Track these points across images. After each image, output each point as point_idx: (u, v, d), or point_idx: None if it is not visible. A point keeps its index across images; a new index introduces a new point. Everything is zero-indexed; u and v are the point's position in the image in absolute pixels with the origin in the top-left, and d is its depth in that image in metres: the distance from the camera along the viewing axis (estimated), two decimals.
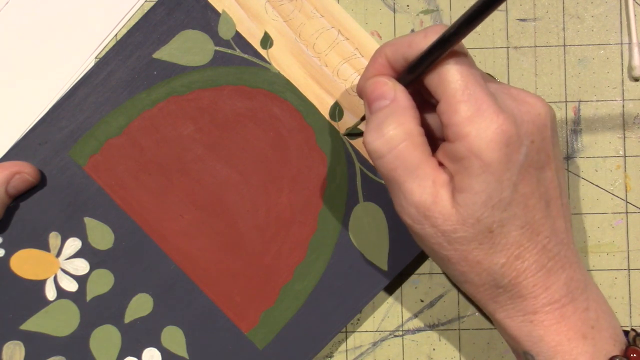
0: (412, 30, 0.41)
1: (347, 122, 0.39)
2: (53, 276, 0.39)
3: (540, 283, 0.30)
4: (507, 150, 0.28)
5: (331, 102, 0.39)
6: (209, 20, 0.40)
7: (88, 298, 0.39)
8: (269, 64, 0.39)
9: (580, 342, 0.30)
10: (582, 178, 0.41)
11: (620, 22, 0.41)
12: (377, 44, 0.40)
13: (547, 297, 0.30)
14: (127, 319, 0.39)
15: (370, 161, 0.39)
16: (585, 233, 0.41)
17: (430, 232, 0.30)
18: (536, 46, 0.41)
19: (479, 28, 0.41)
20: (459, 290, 0.41)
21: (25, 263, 0.39)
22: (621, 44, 0.41)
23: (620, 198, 0.41)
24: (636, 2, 0.41)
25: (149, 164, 0.40)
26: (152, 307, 0.39)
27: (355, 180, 0.39)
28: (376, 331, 0.41)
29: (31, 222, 0.39)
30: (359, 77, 0.39)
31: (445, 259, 0.31)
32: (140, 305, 0.39)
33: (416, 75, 0.30)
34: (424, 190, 0.29)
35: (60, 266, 0.39)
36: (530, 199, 0.30)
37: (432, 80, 0.30)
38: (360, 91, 0.33)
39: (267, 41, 0.39)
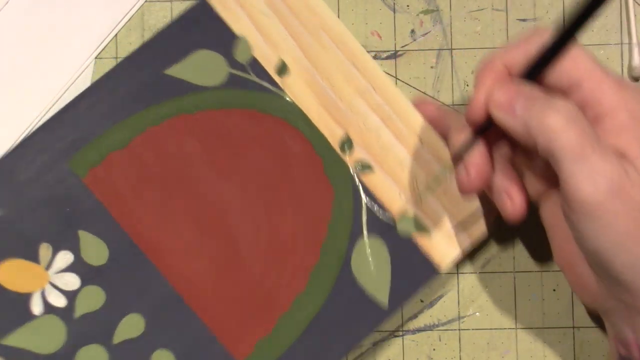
0: (412, 31, 0.41)
1: (356, 155, 0.38)
2: (41, 290, 0.38)
3: None
4: None
5: (342, 134, 0.39)
6: (225, 42, 0.39)
7: (76, 315, 0.38)
8: (283, 91, 0.39)
9: None
10: None
11: (620, 22, 0.41)
12: (391, 80, 0.39)
13: None
14: (116, 339, 0.38)
15: (378, 202, 0.39)
16: None
17: None
18: None
19: (478, 28, 0.41)
20: (458, 290, 0.41)
21: (13, 274, 0.38)
22: (621, 44, 0.41)
23: None
24: (636, 2, 0.41)
25: (151, 181, 0.38)
26: (143, 329, 0.38)
27: (361, 214, 0.38)
28: (376, 331, 0.41)
29: (22, 231, 0.38)
30: (372, 113, 0.38)
31: None
32: (131, 326, 0.38)
33: (543, 70, 0.30)
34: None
35: (49, 280, 0.38)
36: None
37: (565, 69, 0.31)
38: (487, 102, 0.32)
39: (283, 69, 0.39)
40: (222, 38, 0.39)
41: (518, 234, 0.41)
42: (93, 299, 0.38)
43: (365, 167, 0.38)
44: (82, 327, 0.38)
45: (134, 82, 0.39)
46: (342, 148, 0.38)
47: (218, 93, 0.39)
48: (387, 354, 0.41)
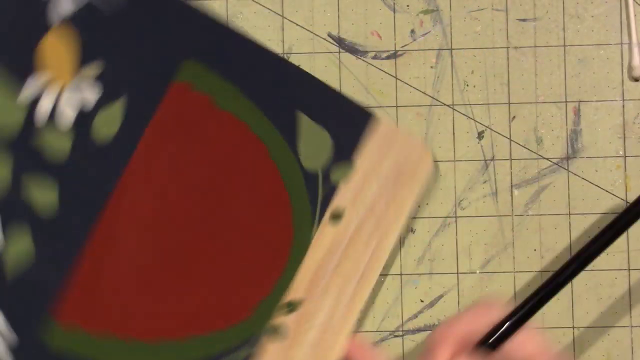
0: (412, 31, 0.41)
1: (298, 315, 0.37)
2: (59, 89, 0.35)
3: None
4: None
5: (301, 297, 0.37)
6: (344, 151, 0.38)
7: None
8: (318, 230, 0.38)
9: None
10: (582, 178, 0.41)
11: (620, 22, 0.41)
12: (354, 320, 0.37)
13: None
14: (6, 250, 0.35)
15: None
16: (585, 233, 0.41)
17: None
18: (536, 46, 0.41)
19: (478, 28, 0.42)
20: (458, 290, 0.41)
21: (60, 41, 0.35)
22: (621, 44, 0.41)
23: (620, 198, 0.41)
24: (636, 2, 0.41)
25: (190, 155, 0.37)
26: (30, 249, 0.35)
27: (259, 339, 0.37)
28: (376, 331, 0.41)
29: (106, 53, 0.35)
30: (331, 314, 0.37)
31: None
32: (18, 244, 0.35)
33: (498, 344, 0.32)
34: None
35: (66, 87, 0.35)
36: None
37: (519, 344, 0.32)
38: None
39: (338, 218, 0.38)
40: (348, 148, 0.38)
41: (518, 235, 0.41)
42: (58, 142, 0.35)
43: (292, 308, 0.37)
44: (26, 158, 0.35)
45: (279, 81, 0.38)
46: (290, 303, 0.37)
47: (295, 171, 0.38)
48: (387, 354, 0.41)
